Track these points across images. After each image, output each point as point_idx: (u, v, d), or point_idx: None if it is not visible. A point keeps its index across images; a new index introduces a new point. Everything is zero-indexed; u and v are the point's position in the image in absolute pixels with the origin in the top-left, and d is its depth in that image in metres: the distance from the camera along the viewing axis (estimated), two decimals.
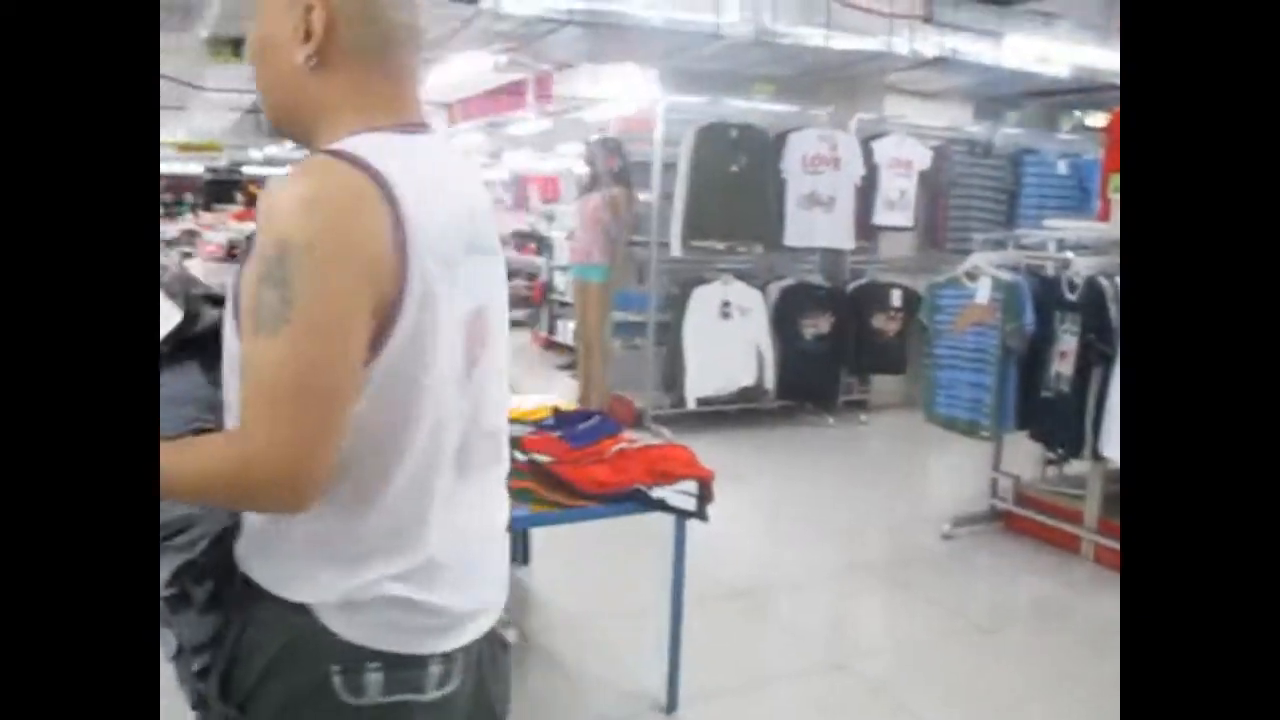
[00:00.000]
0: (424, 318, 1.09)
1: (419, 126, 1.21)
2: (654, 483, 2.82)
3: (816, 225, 6.55)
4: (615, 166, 6.55)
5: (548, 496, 2.72)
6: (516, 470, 2.77)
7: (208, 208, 17.39)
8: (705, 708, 3.03)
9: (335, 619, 1.14)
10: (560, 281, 9.25)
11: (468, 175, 1.27)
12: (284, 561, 1.16)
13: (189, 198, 22.32)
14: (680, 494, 2.84)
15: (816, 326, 6.62)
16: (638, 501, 2.78)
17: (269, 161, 18.97)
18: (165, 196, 21.29)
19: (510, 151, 12.60)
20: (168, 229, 12.42)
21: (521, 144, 11.80)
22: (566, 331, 8.69)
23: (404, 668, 1.16)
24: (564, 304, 8.97)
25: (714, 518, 2.89)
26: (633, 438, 3.10)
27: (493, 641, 1.32)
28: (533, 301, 10.45)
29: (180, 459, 1.06)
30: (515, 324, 10.77)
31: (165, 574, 1.23)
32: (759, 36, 5.60)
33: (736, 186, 6.27)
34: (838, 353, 6.73)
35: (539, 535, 4.03)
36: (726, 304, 6.36)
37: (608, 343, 6.72)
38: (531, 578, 3.99)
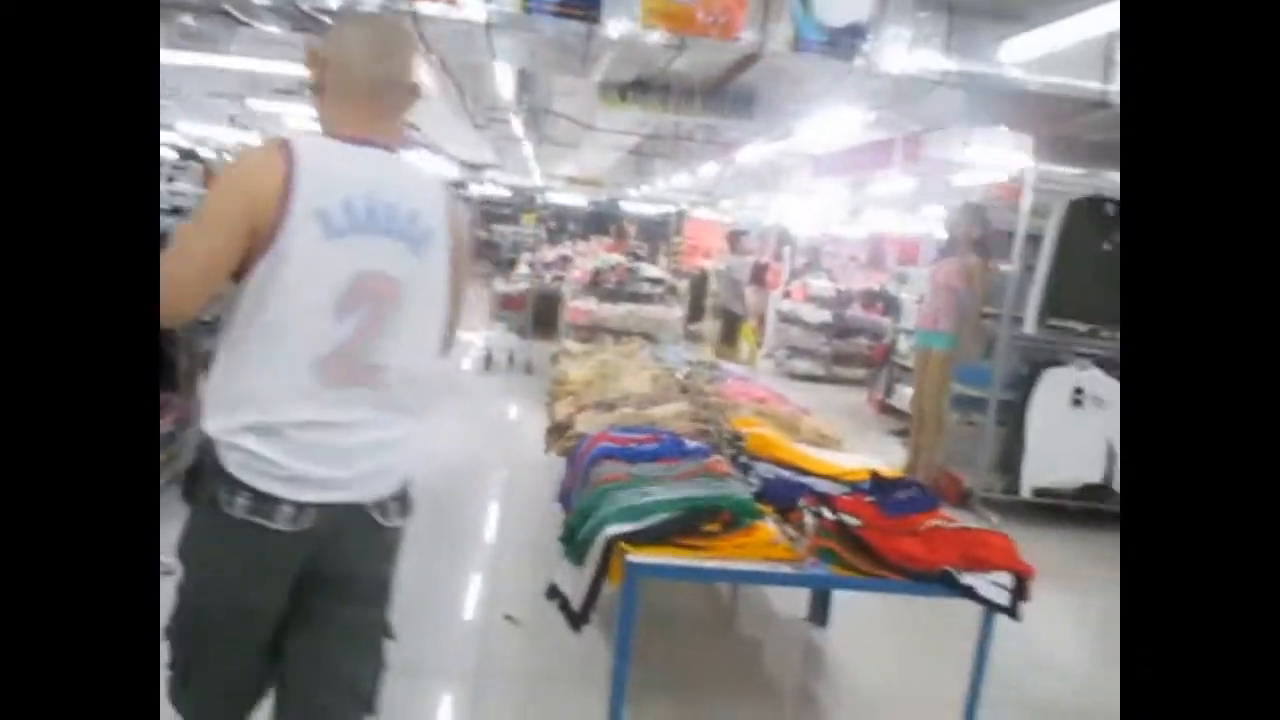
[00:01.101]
0: (291, 251, 1.62)
1: (366, 141, 1.75)
2: (966, 567, 2.66)
3: None
4: (975, 234, 6.32)
5: (849, 560, 2.66)
6: (823, 529, 2.73)
7: (585, 237, 18.74)
8: None
9: (220, 450, 1.68)
10: (905, 346, 9.03)
11: (407, 184, 1.78)
12: (207, 401, 1.73)
13: (571, 226, 24.31)
14: (993, 585, 2.67)
15: None
16: (945, 584, 2.64)
17: (645, 199, 20.11)
18: (551, 223, 23.20)
19: (871, 210, 12.51)
20: (546, 254, 12.80)
21: (883, 203, 11.67)
22: (904, 397, 8.45)
23: (262, 501, 1.68)
24: (905, 369, 8.74)
25: (1033, 622, 2.69)
26: (950, 516, 2.95)
27: (365, 520, 1.78)
28: (873, 362, 10.29)
29: None
30: (853, 383, 10.65)
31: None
32: None
33: (1107, 266, 5.81)
34: None
35: (840, 599, 3.93)
36: (1079, 391, 5.90)
37: (944, 414, 6.45)
38: (827, 641, 3.90)
